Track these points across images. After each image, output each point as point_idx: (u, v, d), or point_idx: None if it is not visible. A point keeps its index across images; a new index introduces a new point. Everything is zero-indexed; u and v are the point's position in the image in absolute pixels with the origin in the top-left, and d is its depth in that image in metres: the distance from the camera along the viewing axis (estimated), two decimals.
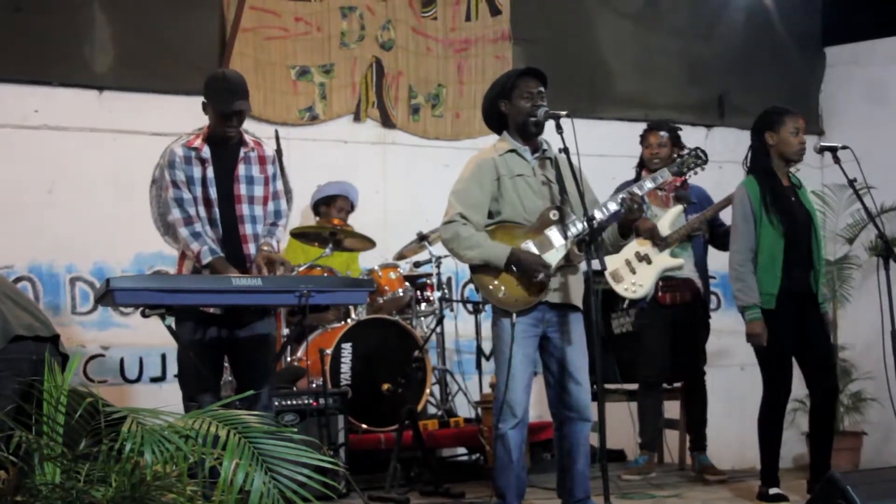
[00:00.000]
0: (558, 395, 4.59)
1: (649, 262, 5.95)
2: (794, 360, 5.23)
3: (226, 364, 5.01)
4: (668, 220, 5.99)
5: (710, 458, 6.08)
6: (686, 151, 5.00)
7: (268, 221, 4.82)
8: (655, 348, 5.97)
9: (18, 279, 6.36)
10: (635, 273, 5.96)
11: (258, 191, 4.78)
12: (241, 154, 4.76)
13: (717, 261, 6.24)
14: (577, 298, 4.62)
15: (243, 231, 4.74)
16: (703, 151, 4.97)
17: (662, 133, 6.04)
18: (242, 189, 4.75)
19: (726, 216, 5.98)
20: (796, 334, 5.16)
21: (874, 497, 4.06)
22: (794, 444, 6.03)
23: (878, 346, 5.19)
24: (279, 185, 4.89)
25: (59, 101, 6.58)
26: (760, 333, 5.10)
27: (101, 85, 6.68)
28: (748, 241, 5.16)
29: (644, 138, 6.11)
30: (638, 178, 5.93)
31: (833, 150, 5.12)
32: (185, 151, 4.72)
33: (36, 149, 6.49)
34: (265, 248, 4.71)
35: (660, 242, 5.94)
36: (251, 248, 4.74)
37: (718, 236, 6.07)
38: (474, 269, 4.58)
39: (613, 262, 5.95)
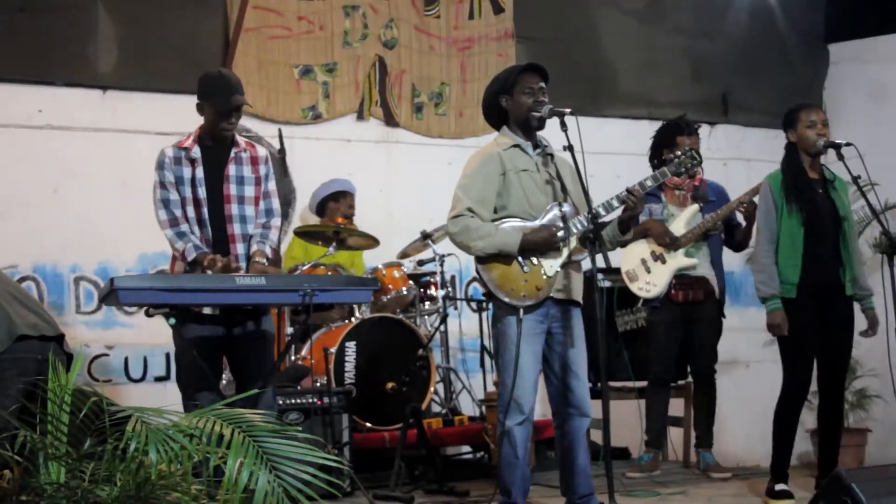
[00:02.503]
0: (560, 392, 4.58)
1: (664, 261, 5.95)
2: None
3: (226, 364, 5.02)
4: (683, 219, 5.98)
5: (715, 456, 6.09)
6: (680, 152, 4.99)
7: (259, 221, 4.81)
8: (665, 346, 5.98)
9: (23, 279, 6.37)
10: (650, 272, 5.96)
11: (249, 191, 4.77)
12: (232, 154, 4.76)
13: (725, 260, 6.24)
14: (578, 295, 4.62)
15: (232, 231, 4.72)
16: (697, 153, 4.97)
17: (689, 139, 6.00)
18: (232, 189, 4.73)
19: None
20: (818, 327, 5.15)
21: (879, 494, 4.05)
22: (798, 441, 6.00)
23: (883, 342, 5.19)
24: (271, 185, 4.87)
25: (63, 101, 6.60)
26: (780, 324, 5.11)
27: (105, 85, 6.70)
28: (770, 234, 5.19)
29: (670, 139, 6.00)
30: None
31: (837, 146, 5.12)
32: (175, 152, 4.72)
33: (40, 149, 6.50)
34: (258, 258, 4.69)
35: (674, 243, 5.93)
36: (239, 249, 4.73)
37: (733, 236, 6.07)
38: (482, 263, 4.56)
39: (629, 262, 5.97)
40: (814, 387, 5.29)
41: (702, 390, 6.09)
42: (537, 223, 4.54)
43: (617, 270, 5.99)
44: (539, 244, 4.49)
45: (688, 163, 4.92)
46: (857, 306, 5.25)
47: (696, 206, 6.02)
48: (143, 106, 6.72)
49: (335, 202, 6.82)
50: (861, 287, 5.23)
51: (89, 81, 6.68)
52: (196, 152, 4.71)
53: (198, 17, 6.97)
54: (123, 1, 6.80)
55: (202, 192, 4.69)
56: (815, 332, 5.15)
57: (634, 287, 5.98)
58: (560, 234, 4.51)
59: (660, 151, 6.04)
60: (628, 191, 4.56)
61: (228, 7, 6.99)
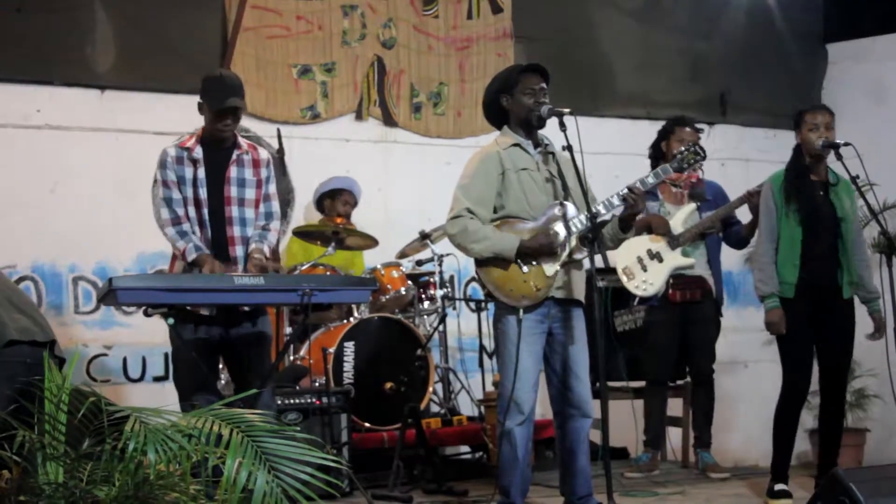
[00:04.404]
0: (560, 392, 4.57)
1: (661, 260, 5.94)
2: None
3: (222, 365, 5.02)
4: (681, 217, 5.97)
5: (713, 456, 6.08)
6: (685, 147, 4.98)
7: (259, 224, 4.81)
8: (663, 346, 5.98)
9: (21, 279, 6.37)
10: (647, 271, 5.95)
11: (249, 193, 4.77)
12: (234, 156, 4.76)
13: (724, 260, 6.23)
14: (580, 294, 4.62)
15: (231, 233, 4.72)
16: (701, 147, 4.95)
17: (689, 130, 5.99)
18: (233, 191, 4.74)
19: (741, 214, 5.98)
20: (816, 328, 5.15)
21: (877, 494, 4.05)
22: (797, 441, 6.00)
23: (881, 342, 5.19)
24: (272, 187, 4.87)
25: (61, 100, 6.59)
26: (778, 322, 5.11)
27: (103, 84, 6.70)
28: (770, 234, 5.21)
29: (671, 133, 5.99)
30: None
31: (835, 146, 5.12)
32: (178, 152, 4.73)
33: (38, 148, 6.50)
34: (256, 255, 4.69)
35: (672, 240, 5.92)
36: (238, 251, 4.73)
37: (731, 235, 6.06)
38: (480, 264, 4.56)
39: (625, 259, 5.95)
40: (814, 387, 5.30)
41: (700, 391, 6.09)
42: (537, 223, 4.54)
43: (612, 270, 5.97)
44: (536, 250, 4.48)
45: (690, 158, 4.88)
46: (860, 309, 5.25)
47: (693, 205, 6.01)
48: (141, 106, 6.72)
49: (331, 200, 6.82)
50: (866, 290, 5.24)
51: (87, 81, 6.67)
52: (198, 153, 4.72)
53: (196, 16, 6.97)
54: (121, 0, 6.79)
55: (203, 193, 4.69)
56: (813, 332, 5.16)
57: (631, 285, 5.95)
58: (560, 238, 4.49)
59: (659, 147, 6.05)
60: (629, 189, 4.55)
61: (227, 7, 6.98)
